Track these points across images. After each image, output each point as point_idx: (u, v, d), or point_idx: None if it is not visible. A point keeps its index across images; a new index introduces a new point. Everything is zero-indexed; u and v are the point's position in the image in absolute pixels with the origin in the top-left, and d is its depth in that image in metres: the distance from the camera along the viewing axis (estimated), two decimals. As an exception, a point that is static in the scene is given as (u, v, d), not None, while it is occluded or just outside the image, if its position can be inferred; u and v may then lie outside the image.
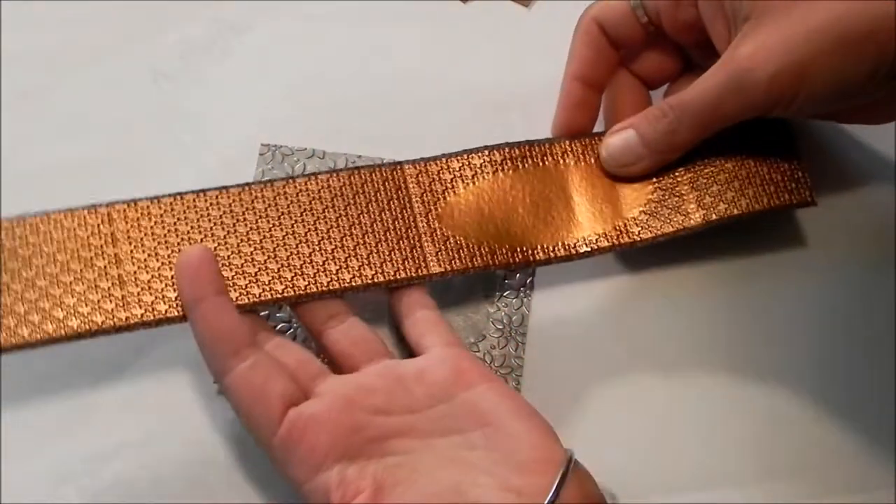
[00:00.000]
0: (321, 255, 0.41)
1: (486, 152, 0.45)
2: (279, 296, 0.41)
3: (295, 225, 0.42)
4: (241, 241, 0.41)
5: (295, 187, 0.42)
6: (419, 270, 0.42)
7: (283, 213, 0.42)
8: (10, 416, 0.42)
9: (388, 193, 0.43)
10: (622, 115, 0.45)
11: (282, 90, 0.49)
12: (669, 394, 0.44)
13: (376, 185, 0.43)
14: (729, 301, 0.46)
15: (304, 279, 0.41)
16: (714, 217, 0.44)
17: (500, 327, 0.45)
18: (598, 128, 0.47)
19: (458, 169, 0.44)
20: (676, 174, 0.45)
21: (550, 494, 0.35)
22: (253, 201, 0.42)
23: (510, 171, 0.45)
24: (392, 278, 0.42)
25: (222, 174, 0.47)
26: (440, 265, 0.42)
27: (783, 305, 0.46)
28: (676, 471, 0.43)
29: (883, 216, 0.47)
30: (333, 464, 0.37)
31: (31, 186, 0.47)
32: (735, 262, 0.46)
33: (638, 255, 0.46)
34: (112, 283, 0.40)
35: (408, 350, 0.42)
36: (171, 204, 0.41)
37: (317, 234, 0.42)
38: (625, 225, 0.44)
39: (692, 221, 0.44)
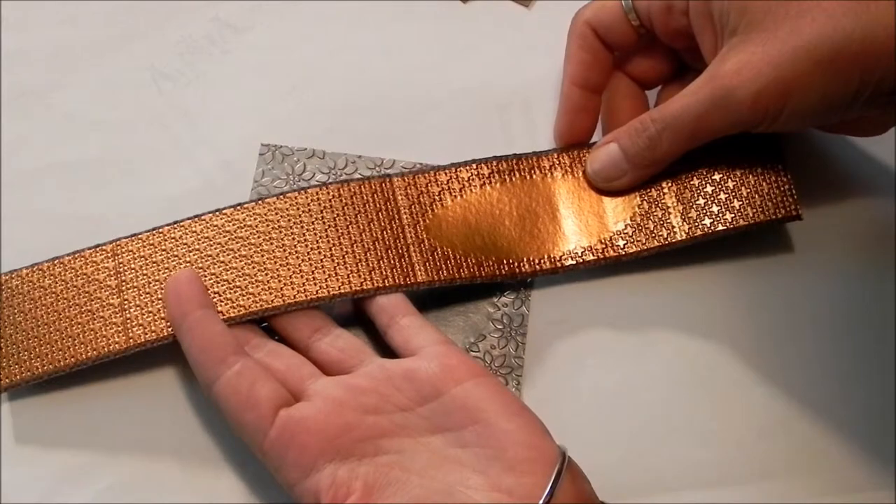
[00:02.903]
0: (309, 264, 0.42)
1: (475, 166, 0.45)
2: (268, 305, 0.42)
3: (284, 237, 0.43)
4: (233, 256, 0.43)
5: (285, 201, 0.43)
6: (406, 279, 0.43)
7: (273, 227, 0.43)
8: (10, 416, 0.43)
9: (377, 205, 0.44)
10: (618, 120, 0.45)
11: (281, 90, 0.49)
12: (669, 394, 0.44)
13: (365, 197, 0.44)
14: (729, 301, 0.46)
15: (292, 288, 0.42)
16: (699, 233, 0.44)
17: (500, 327, 0.45)
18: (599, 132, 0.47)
19: (445, 182, 0.45)
20: (663, 185, 0.45)
21: (545, 495, 0.35)
22: (245, 219, 0.43)
23: (497, 185, 0.45)
24: (380, 286, 0.42)
25: (222, 174, 0.47)
26: (427, 274, 0.43)
27: (782, 306, 0.46)
28: (676, 471, 0.43)
29: (870, 218, 0.47)
30: (324, 465, 0.37)
31: (31, 186, 0.47)
32: (735, 263, 0.46)
33: (639, 256, 0.46)
34: (113, 311, 0.42)
35: (394, 357, 0.42)
36: (169, 232, 0.43)
37: (305, 245, 0.43)
38: (610, 238, 0.44)
39: (677, 237, 0.44)
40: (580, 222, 0.45)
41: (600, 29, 0.45)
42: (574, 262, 0.44)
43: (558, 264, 0.44)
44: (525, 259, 0.44)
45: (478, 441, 0.37)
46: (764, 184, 0.44)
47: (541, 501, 0.35)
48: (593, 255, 0.44)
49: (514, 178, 0.45)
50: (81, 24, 0.51)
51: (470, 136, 0.48)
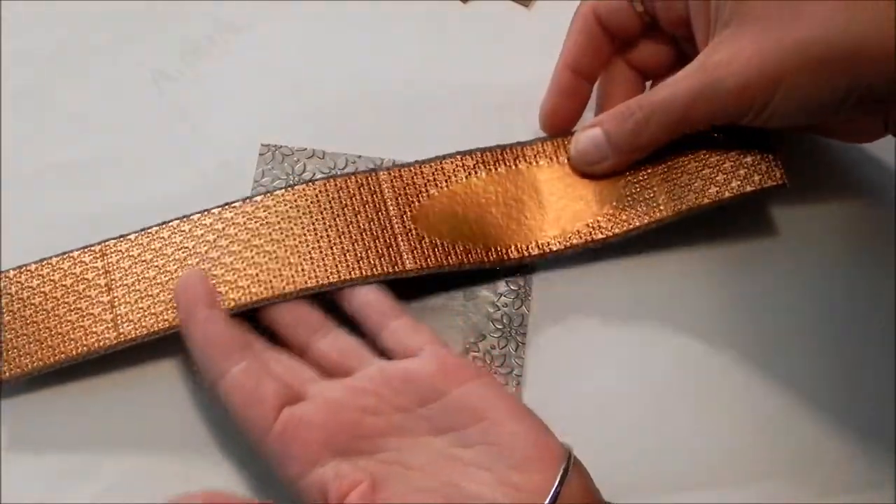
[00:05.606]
0: (297, 257, 0.43)
1: (459, 158, 0.45)
2: (258, 297, 0.42)
3: (273, 233, 0.43)
4: (223, 253, 0.43)
5: (274, 198, 0.44)
6: (395, 267, 0.43)
7: (262, 224, 0.43)
8: (10, 416, 0.43)
9: (363, 197, 0.44)
10: (613, 106, 0.45)
11: (282, 90, 0.49)
12: (669, 393, 0.44)
13: (351, 191, 0.44)
14: (730, 302, 0.46)
15: (281, 280, 0.42)
16: (684, 207, 0.44)
17: (500, 327, 0.45)
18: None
19: (430, 174, 0.45)
20: (648, 168, 0.45)
21: (553, 490, 0.35)
22: (234, 217, 0.44)
23: (483, 175, 0.45)
24: (368, 275, 0.42)
25: (222, 174, 0.47)
26: (415, 262, 0.43)
27: (782, 306, 0.46)
28: (676, 471, 0.43)
29: (867, 215, 0.47)
30: (328, 460, 0.37)
31: (31, 186, 0.47)
32: (735, 263, 0.46)
33: (638, 254, 0.46)
34: (103, 308, 0.42)
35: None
36: (157, 232, 0.44)
37: (294, 238, 0.43)
38: (597, 221, 0.45)
39: (662, 213, 0.44)
40: (567, 208, 0.45)
41: (604, 15, 0.45)
42: (561, 247, 0.44)
43: (546, 249, 0.45)
44: (513, 246, 0.44)
45: (483, 440, 0.38)
46: (748, 154, 0.44)
47: (549, 497, 0.35)
48: (580, 239, 0.45)
49: (498, 168, 0.45)
50: (81, 24, 0.51)
51: (470, 137, 0.48)
